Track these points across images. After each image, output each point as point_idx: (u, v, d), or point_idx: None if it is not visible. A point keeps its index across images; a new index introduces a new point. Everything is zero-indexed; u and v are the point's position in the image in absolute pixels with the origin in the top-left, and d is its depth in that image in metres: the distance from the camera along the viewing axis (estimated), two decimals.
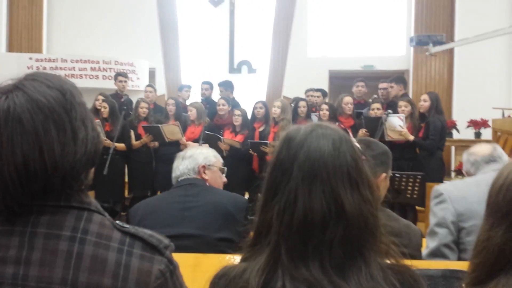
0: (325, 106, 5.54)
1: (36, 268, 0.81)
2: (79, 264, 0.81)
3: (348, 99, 5.59)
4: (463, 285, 0.99)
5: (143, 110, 5.69)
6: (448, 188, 2.04)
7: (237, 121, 5.66)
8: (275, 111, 5.55)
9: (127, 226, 0.89)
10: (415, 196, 4.04)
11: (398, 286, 0.88)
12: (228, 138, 5.51)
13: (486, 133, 6.47)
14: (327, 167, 0.90)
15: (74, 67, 8.06)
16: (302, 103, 5.83)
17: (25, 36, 8.75)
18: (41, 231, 0.83)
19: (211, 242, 1.98)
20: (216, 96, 6.69)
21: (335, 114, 5.47)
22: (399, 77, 6.33)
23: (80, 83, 7.39)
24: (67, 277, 0.80)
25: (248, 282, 0.89)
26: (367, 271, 0.87)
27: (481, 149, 2.25)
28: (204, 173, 2.28)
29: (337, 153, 0.92)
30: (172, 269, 0.89)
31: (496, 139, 5.19)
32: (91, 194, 5.11)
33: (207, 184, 2.27)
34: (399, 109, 5.24)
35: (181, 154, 2.38)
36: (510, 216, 0.91)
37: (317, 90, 6.68)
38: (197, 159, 2.29)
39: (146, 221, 2.04)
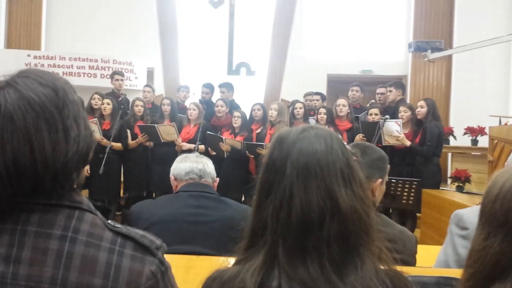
0: (323, 110, 5.54)
1: (25, 267, 0.80)
2: (69, 263, 0.80)
3: (340, 100, 5.58)
4: None
5: (138, 108, 5.67)
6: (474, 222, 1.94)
7: (237, 122, 5.66)
8: (272, 113, 5.55)
9: (119, 226, 0.88)
10: (410, 202, 4.04)
11: (390, 286, 0.89)
12: (230, 139, 5.51)
13: (483, 141, 6.48)
14: (321, 164, 0.91)
15: (72, 65, 8.05)
16: (298, 105, 5.83)
17: (23, 33, 8.73)
18: (32, 229, 0.82)
19: None
20: (215, 98, 6.68)
21: (332, 118, 5.47)
22: (398, 82, 6.34)
23: (77, 81, 7.42)
24: (57, 276, 0.79)
25: (243, 282, 0.88)
26: (362, 269, 0.88)
27: None
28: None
29: (330, 150, 0.93)
30: (164, 270, 0.88)
31: (492, 146, 5.19)
32: (85, 193, 5.09)
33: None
34: (399, 114, 5.24)
35: (194, 154, 2.32)
36: (507, 225, 0.90)
37: (316, 93, 6.69)
38: (212, 168, 2.24)
39: (154, 230, 1.96)
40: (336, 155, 0.92)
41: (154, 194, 5.67)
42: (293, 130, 0.97)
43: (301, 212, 0.88)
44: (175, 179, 2.20)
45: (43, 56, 8.15)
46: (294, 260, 0.88)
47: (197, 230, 1.96)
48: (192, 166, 2.15)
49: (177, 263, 1.66)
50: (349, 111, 5.56)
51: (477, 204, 3.95)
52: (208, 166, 2.19)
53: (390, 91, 5.95)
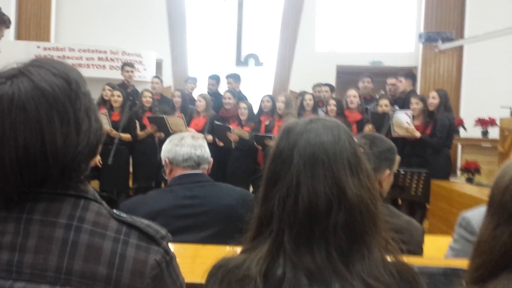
0: (332, 102, 5.49)
1: (31, 255, 0.80)
2: (74, 252, 0.81)
3: (351, 92, 5.53)
4: (464, 283, 0.98)
5: (147, 99, 5.69)
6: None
7: (243, 114, 5.65)
8: (279, 105, 5.54)
9: (124, 215, 0.89)
10: (419, 193, 4.02)
11: (397, 277, 0.89)
12: (238, 128, 5.51)
13: (494, 132, 6.42)
14: (328, 153, 0.91)
15: (81, 57, 8.07)
16: (308, 96, 5.81)
17: (33, 24, 8.76)
18: (37, 218, 0.82)
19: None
20: (223, 88, 6.68)
21: (342, 110, 5.43)
22: (409, 73, 6.28)
23: (87, 73, 7.45)
24: (62, 265, 0.80)
25: (248, 270, 0.89)
26: (369, 259, 0.88)
27: None
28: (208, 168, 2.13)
29: (337, 140, 0.93)
30: (169, 259, 0.88)
31: (503, 138, 5.14)
32: (95, 184, 5.12)
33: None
34: (410, 106, 5.20)
35: (188, 134, 2.18)
36: None
37: (325, 84, 6.65)
38: (207, 149, 2.12)
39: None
40: (344, 145, 0.93)
41: (163, 185, 5.70)
42: (300, 121, 0.98)
43: (308, 201, 0.88)
44: (171, 162, 2.07)
45: (53, 48, 8.18)
46: (300, 248, 0.88)
47: (195, 223, 1.91)
48: (190, 152, 2.03)
49: (183, 252, 1.67)
50: (359, 103, 5.53)
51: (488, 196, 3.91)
52: (205, 150, 2.09)
53: (400, 81, 5.90)
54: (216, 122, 5.54)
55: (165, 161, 2.09)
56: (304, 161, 0.91)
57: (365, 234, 0.89)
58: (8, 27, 2.68)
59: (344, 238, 0.87)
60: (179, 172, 2.05)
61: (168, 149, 2.09)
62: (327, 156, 0.91)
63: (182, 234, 1.85)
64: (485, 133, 6.77)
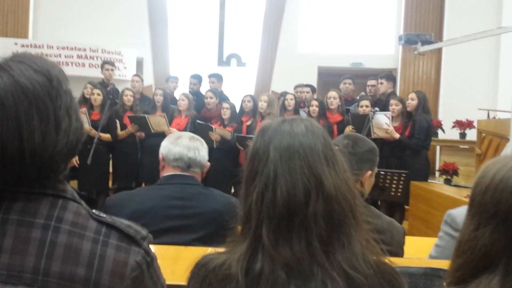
0: (315, 102, 5.51)
1: (7, 255, 0.78)
2: (52, 253, 0.79)
3: (331, 93, 5.56)
4: (444, 283, 0.99)
5: (128, 98, 5.62)
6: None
7: (226, 114, 5.63)
8: (262, 105, 5.54)
9: (104, 215, 0.87)
10: (399, 194, 4.06)
11: (377, 271, 0.90)
12: (220, 128, 5.48)
13: (471, 134, 6.53)
14: (303, 145, 0.94)
15: (60, 54, 7.95)
16: (289, 96, 5.82)
17: (11, 20, 8.59)
18: (14, 217, 0.80)
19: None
20: (204, 88, 6.65)
21: (324, 111, 5.46)
22: (390, 75, 6.35)
23: (66, 70, 7.27)
24: (39, 266, 0.78)
25: (229, 268, 0.89)
26: (349, 249, 0.89)
27: None
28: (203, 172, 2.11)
29: (311, 133, 0.96)
30: (149, 260, 0.86)
31: (480, 140, 5.24)
32: (74, 184, 5.03)
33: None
34: (390, 107, 5.25)
35: (188, 134, 2.13)
36: (497, 216, 0.90)
37: (306, 85, 6.67)
38: (205, 152, 2.09)
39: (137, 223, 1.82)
40: (318, 138, 0.95)
41: (143, 185, 5.64)
42: (274, 120, 1.00)
43: (286, 192, 0.89)
44: (163, 159, 2.06)
45: (31, 45, 8.04)
46: (279, 240, 0.89)
47: (183, 225, 1.89)
48: (182, 153, 2.01)
49: (164, 253, 1.65)
50: (339, 104, 5.55)
51: (467, 196, 3.92)
52: (199, 153, 2.05)
53: (382, 83, 5.96)
54: (198, 121, 5.51)
55: (160, 156, 2.08)
56: (280, 154, 0.92)
57: (344, 224, 0.90)
58: None
59: (324, 226, 0.88)
60: (170, 171, 2.03)
61: (164, 146, 2.08)
62: (303, 148, 0.93)
63: (168, 235, 1.83)
64: (463, 135, 6.89)
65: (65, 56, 7.98)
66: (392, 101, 5.30)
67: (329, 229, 0.89)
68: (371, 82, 6.24)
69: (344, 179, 0.94)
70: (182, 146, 2.03)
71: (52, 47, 7.98)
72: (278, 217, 0.89)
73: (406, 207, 5.12)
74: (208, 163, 2.12)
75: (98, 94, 5.42)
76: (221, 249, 0.98)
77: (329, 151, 0.95)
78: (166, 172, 2.04)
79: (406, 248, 1.86)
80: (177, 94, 6.28)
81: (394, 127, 5.13)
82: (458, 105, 7.59)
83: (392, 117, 5.14)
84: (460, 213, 1.77)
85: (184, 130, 5.49)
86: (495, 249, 0.89)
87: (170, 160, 2.02)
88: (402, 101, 5.33)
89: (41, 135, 0.80)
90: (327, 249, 0.88)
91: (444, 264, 1.23)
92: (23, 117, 0.79)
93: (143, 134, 5.57)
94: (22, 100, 0.79)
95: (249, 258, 0.89)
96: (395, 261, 0.96)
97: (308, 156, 0.92)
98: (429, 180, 5.32)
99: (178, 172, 2.02)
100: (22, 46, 7.92)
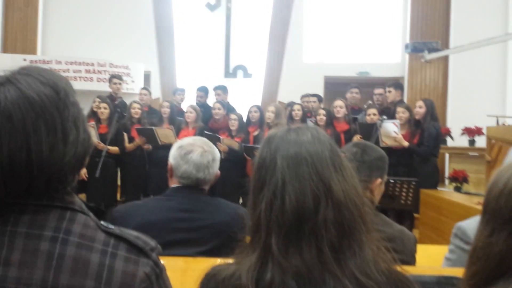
0: (322, 112, 5.52)
1: (15, 269, 0.77)
2: (61, 265, 0.78)
3: (337, 102, 5.56)
4: None
5: (135, 110, 5.65)
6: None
7: (234, 125, 5.64)
8: (269, 116, 5.54)
9: (112, 227, 0.86)
10: (409, 202, 4.02)
11: (389, 277, 0.88)
12: (228, 139, 5.48)
13: (481, 141, 6.48)
14: (310, 152, 0.93)
15: (68, 69, 8.03)
16: (296, 107, 5.82)
17: (19, 37, 8.70)
18: (22, 230, 0.79)
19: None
20: (211, 101, 6.67)
21: (331, 120, 5.45)
22: (398, 83, 6.34)
23: (74, 85, 7.40)
24: (48, 278, 0.77)
25: (240, 279, 0.87)
26: (360, 256, 0.88)
27: None
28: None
29: (317, 141, 0.96)
30: (158, 272, 0.85)
31: (490, 146, 5.19)
32: (83, 197, 5.05)
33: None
34: (396, 115, 5.23)
35: (200, 144, 1.99)
36: None
37: (313, 95, 6.68)
38: (216, 165, 2.01)
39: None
40: (324, 144, 0.95)
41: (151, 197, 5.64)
42: (279, 129, 1.01)
43: (295, 199, 0.89)
44: (172, 169, 1.97)
45: (39, 61, 8.13)
46: (289, 249, 0.87)
47: (190, 238, 1.85)
48: (190, 173, 1.92)
49: (173, 265, 1.64)
50: (346, 113, 5.55)
51: (478, 203, 3.85)
52: (209, 171, 1.96)
53: (390, 91, 5.94)
54: (206, 132, 5.52)
55: (169, 164, 1.99)
56: (287, 162, 0.92)
57: (355, 231, 0.89)
58: None
59: (335, 233, 0.87)
60: (177, 183, 1.97)
61: (174, 156, 1.97)
62: (310, 155, 0.92)
63: (175, 248, 1.79)
64: (472, 142, 6.84)
65: (74, 71, 8.06)
66: (399, 109, 5.28)
67: (340, 235, 0.88)
68: (378, 90, 6.22)
69: (353, 185, 0.93)
70: (191, 165, 1.92)
71: (61, 63, 8.07)
72: (288, 225, 0.88)
73: (415, 215, 5.07)
74: (218, 172, 2.05)
75: (105, 108, 5.46)
76: (230, 260, 0.97)
77: (337, 158, 0.95)
78: (174, 183, 1.99)
79: (418, 257, 1.83)
80: (184, 106, 6.30)
81: (402, 135, 5.10)
82: (466, 112, 7.55)
83: (400, 125, 5.12)
84: (470, 225, 1.74)
85: None
86: (510, 255, 0.87)
87: (177, 175, 1.95)
88: (408, 108, 5.31)
89: (48, 147, 0.80)
90: (338, 256, 0.87)
91: (457, 272, 1.21)
92: (30, 130, 0.79)
93: (150, 146, 5.58)
94: (30, 112, 0.79)
95: (259, 268, 0.88)
96: (408, 270, 0.95)
97: (316, 163, 0.92)
98: (438, 188, 5.27)
99: (186, 184, 1.97)
100: (31, 62, 8.00)
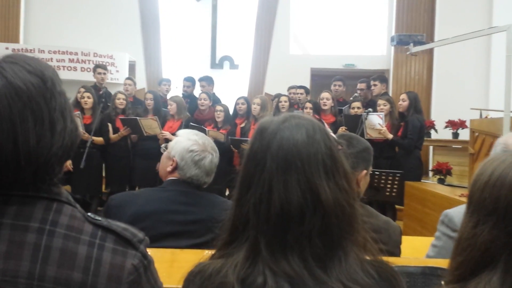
0: (309, 104, 5.54)
1: (1, 260, 0.76)
2: (47, 257, 0.77)
3: (324, 94, 5.60)
4: (442, 282, 0.98)
5: (120, 101, 5.59)
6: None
7: (219, 117, 5.62)
8: (255, 108, 5.54)
9: (100, 218, 0.85)
10: (394, 194, 4.07)
11: (376, 277, 0.87)
12: (213, 130, 5.47)
13: (464, 134, 6.56)
14: (301, 156, 0.88)
15: (51, 58, 7.89)
16: (283, 98, 5.84)
17: (1, 25, 8.53)
18: (7, 221, 0.79)
19: None
20: (197, 91, 6.64)
21: (318, 112, 5.47)
22: (382, 76, 6.38)
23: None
24: (34, 270, 0.76)
25: (225, 277, 0.86)
26: (346, 262, 0.86)
27: None
28: None
29: (311, 141, 0.90)
30: (146, 264, 0.85)
31: (473, 139, 5.25)
32: (67, 188, 5.03)
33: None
34: (378, 107, 5.27)
35: (211, 151, 2.00)
36: (496, 213, 0.90)
37: (300, 87, 6.68)
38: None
39: (137, 226, 1.73)
40: (318, 147, 0.89)
41: (137, 189, 5.60)
42: (274, 119, 0.94)
43: (280, 207, 0.86)
44: (177, 167, 1.96)
45: (22, 49, 7.98)
46: (275, 255, 0.86)
47: (182, 229, 1.86)
48: (200, 176, 1.95)
49: (160, 257, 1.64)
50: (332, 105, 5.58)
51: (461, 195, 3.90)
52: (213, 175, 2.01)
53: (375, 85, 5.98)
54: (191, 124, 5.49)
55: (173, 159, 1.97)
56: (276, 165, 0.88)
57: (341, 238, 0.87)
58: None
59: (320, 244, 0.85)
60: (177, 177, 1.97)
61: (183, 158, 1.96)
62: (301, 159, 0.87)
63: (169, 239, 1.80)
64: (455, 134, 6.92)
65: (57, 60, 7.93)
66: (380, 101, 5.30)
67: (326, 245, 0.86)
68: (360, 85, 6.27)
69: (345, 189, 0.89)
70: (203, 170, 1.95)
71: (44, 51, 7.93)
72: (272, 232, 0.86)
73: (398, 207, 5.13)
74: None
75: (89, 97, 5.39)
76: (212, 252, 0.96)
77: (330, 160, 0.89)
78: (173, 176, 1.98)
79: (402, 248, 1.86)
80: (170, 97, 6.25)
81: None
82: (450, 105, 7.63)
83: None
84: (457, 213, 1.77)
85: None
86: (494, 246, 0.88)
87: (184, 176, 1.95)
88: (389, 101, 5.34)
89: (36, 137, 0.79)
90: (324, 266, 0.85)
91: (442, 263, 1.23)
92: (17, 120, 0.77)
93: (136, 137, 5.54)
94: (16, 102, 0.78)
95: (247, 268, 0.87)
96: (393, 261, 0.95)
97: (306, 169, 0.87)
98: (422, 180, 5.33)
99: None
100: (13, 50, 7.85)
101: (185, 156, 1.95)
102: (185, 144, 1.98)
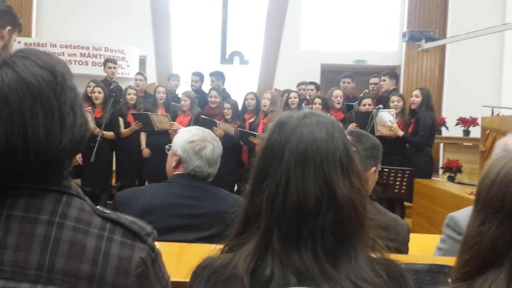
0: (318, 100, 5.54)
1: (11, 252, 0.78)
2: (56, 249, 0.78)
3: (337, 92, 5.61)
4: (449, 280, 0.99)
5: (131, 96, 5.63)
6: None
7: (228, 114, 5.63)
8: (265, 103, 5.54)
9: (108, 211, 0.86)
10: (402, 191, 4.05)
11: (385, 277, 0.88)
12: (224, 123, 5.48)
13: (475, 131, 6.51)
14: (320, 152, 0.89)
15: (63, 53, 7.95)
16: (293, 94, 5.82)
17: None
18: (18, 214, 0.80)
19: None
20: (206, 87, 6.64)
21: (327, 108, 5.47)
22: (393, 72, 6.34)
23: None
24: (44, 262, 0.78)
25: (235, 268, 0.87)
26: (356, 260, 0.87)
27: None
28: None
29: (331, 138, 0.91)
30: (154, 257, 0.86)
31: (484, 137, 5.21)
32: (77, 182, 5.07)
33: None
34: (391, 104, 5.24)
35: (212, 140, 2.02)
36: (503, 211, 0.90)
37: (310, 83, 6.67)
38: (218, 165, 2.05)
39: (145, 220, 1.75)
40: (337, 145, 0.91)
41: (147, 183, 5.64)
42: (294, 115, 0.95)
43: (296, 200, 0.87)
44: (180, 161, 1.98)
45: (34, 43, 8.03)
46: (288, 247, 0.87)
47: (191, 224, 1.88)
48: (203, 167, 1.95)
49: (168, 250, 1.65)
50: (342, 102, 5.60)
51: (471, 193, 3.86)
52: (217, 166, 2.02)
53: (384, 80, 5.95)
54: (203, 116, 5.51)
55: (176, 153, 1.99)
56: (295, 159, 0.89)
57: (353, 236, 0.88)
58: (20, 31, 2.43)
59: (332, 239, 0.86)
60: (183, 171, 1.99)
61: (185, 150, 1.97)
62: (319, 155, 0.89)
63: (176, 233, 1.82)
64: (466, 132, 6.86)
65: (68, 55, 7.99)
66: (394, 98, 5.28)
67: (337, 242, 0.87)
68: (373, 80, 6.23)
69: (358, 189, 0.90)
70: (204, 160, 1.96)
71: (55, 46, 7.98)
72: (287, 225, 0.87)
73: (407, 204, 5.11)
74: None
75: (99, 92, 5.43)
76: (221, 246, 0.97)
77: (346, 159, 0.91)
78: (179, 171, 2.00)
79: (410, 245, 1.85)
80: (179, 92, 6.27)
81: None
82: (462, 102, 7.57)
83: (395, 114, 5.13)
84: (462, 215, 1.75)
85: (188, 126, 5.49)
86: (501, 244, 0.88)
87: (188, 168, 1.97)
88: (403, 97, 5.32)
89: (45, 131, 0.79)
90: (334, 262, 0.86)
91: (449, 260, 1.22)
92: (27, 114, 0.78)
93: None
94: (27, 96, 0.79)
95: (257, 260, 0.87)
96: (400, 258, 0.95)
97: (324, 165, 0.88)
98: (432, 178, 5.30)
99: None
100: (25, 45, 7.92)
101: (187, 148, 1.97)
102: (185, 136, 2.00)
